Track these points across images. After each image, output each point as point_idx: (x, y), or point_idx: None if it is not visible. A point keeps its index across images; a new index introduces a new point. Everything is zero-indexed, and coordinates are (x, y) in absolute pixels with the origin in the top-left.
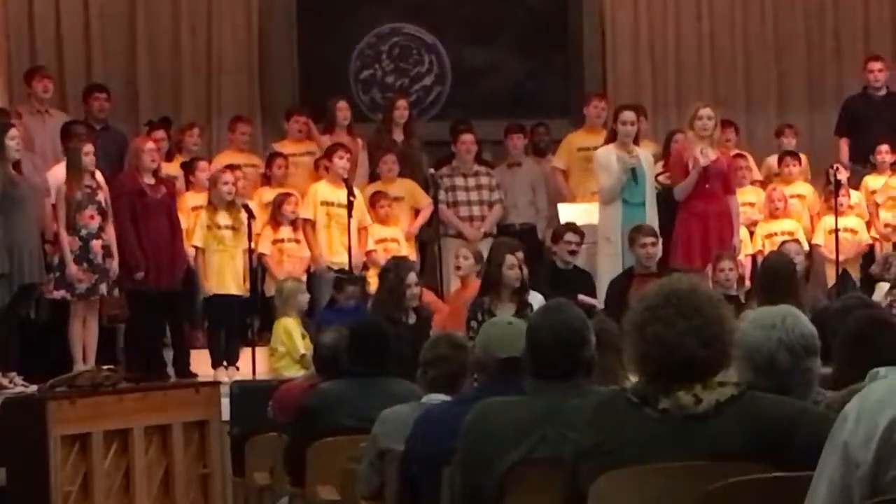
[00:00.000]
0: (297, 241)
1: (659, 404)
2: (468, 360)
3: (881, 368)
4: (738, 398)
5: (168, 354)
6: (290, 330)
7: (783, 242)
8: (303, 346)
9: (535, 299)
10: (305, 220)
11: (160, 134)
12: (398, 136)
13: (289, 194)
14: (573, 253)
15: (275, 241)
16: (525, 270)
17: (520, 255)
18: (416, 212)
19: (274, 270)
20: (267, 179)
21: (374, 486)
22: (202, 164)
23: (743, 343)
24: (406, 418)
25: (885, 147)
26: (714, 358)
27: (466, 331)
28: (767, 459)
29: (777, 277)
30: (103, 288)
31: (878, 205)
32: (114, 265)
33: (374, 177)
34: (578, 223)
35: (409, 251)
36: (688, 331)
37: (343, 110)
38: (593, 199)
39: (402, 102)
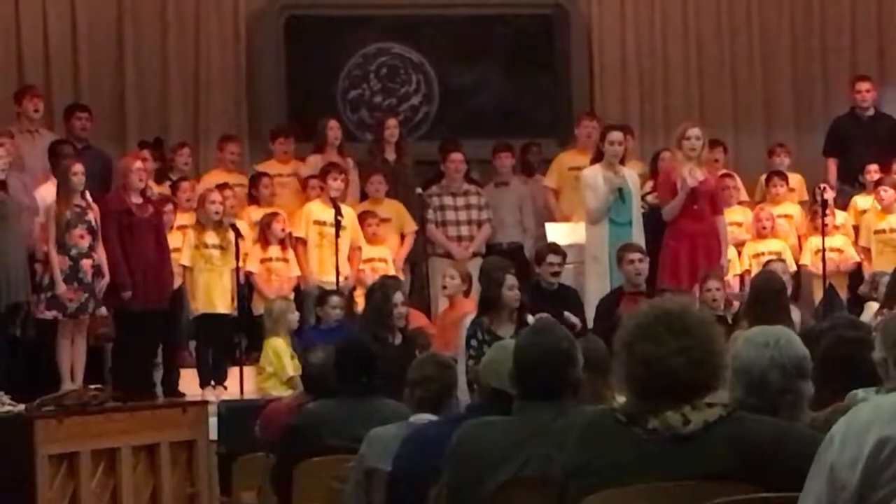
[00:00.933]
0: (286, 261)
1: (647, 424)
2: (454, 379)
3: (859, 391)
4: (727, 419)
5: (158, 374)
6: (279, 351)
7: (768, 262)
8: (291, 367)
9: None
10: (297, 239)
11: (145, 153)
12: (390, 155)
13: (276, 213)
14: (556, 274)
15: (263, 260)
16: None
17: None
18: (402, 236)
19: (262, 289)
20: (254, 199)
21: None
22: (185, 184)
23: (735, 360)
24: (393, 438)
25: (873, 167)
26: (703, 379)
27: (466, 349)
28: (755, 480)
29: (765, 296)
30: (92, 307)
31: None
32: (102, 284)
33: (364, 196)
34: (566, 242)
35: (396, 271)
36: (677, 351)
37: (334, 129)
38: (580, 219)
39: (392, 122)
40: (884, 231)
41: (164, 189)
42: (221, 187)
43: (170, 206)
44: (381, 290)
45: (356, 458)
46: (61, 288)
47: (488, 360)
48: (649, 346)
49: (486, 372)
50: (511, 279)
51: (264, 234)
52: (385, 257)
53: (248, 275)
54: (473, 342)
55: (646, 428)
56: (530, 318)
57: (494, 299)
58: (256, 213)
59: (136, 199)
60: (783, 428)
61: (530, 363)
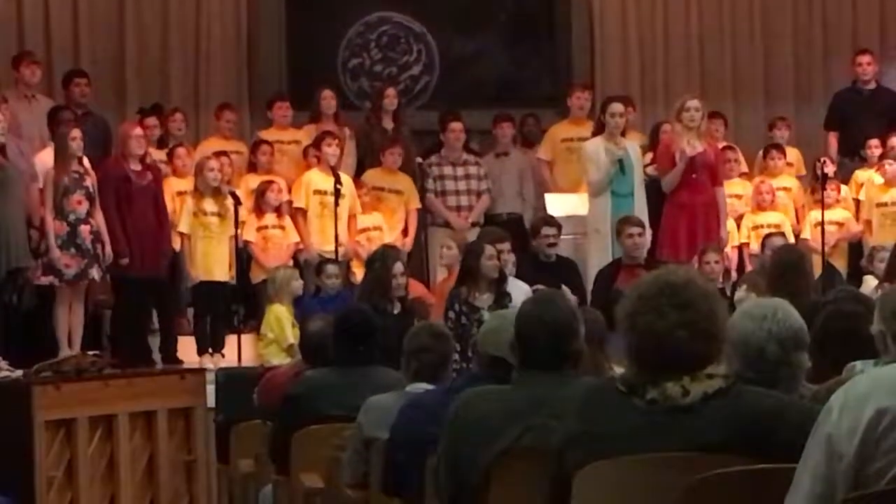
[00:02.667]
0: (282, 228)
1: (647, 394)
2: (450, 349)
3: (857, 362)
4: (726, 391)
5: (155, 341)
6: (280, 318)
7: (768, 235)
8: (292, 335)
9: (521, 289)
10: (297, 209)
11: (152, 121)
12: (388, 124)
13: (271, 181)
14: (552, 245)
15: (259, 229)
16: (510, 260)
17: (503, 245)
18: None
19: (259, 257)
20: (253, 167)
21: (359, 474)
22: (181, 150)
23: (733, 333)
24: (390, 407)
25: (875, 141)
26: (704, 351)
27: (444, 320)
28: (753, 453)
29: (787, 272)
30: (94, 273)
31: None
32: (106, 250)
33: (361, 165)
34: (565, 214)
35: (391, 238)
36: (679, 323)
37: (328, 99)
38: (578, 190)
39: (390, 91)
40: (886, 204)
41: (162, 155)
42: (218, 154)
43: (168, 172)
44: (381, 260)
45: (354, 426)
46: (55, 253)
47: (487, 329)
48: (651, 318)
49: (485, 341)
50: (490, 249)
51: (259, 202)
52: (379, 225)
53: (246, 244)
54: (451, 313)
55: (645, 398)
56: (528, 289)
57: (473, 269)
58: (255, 181)
59: (135, 166)
60: (782, 401)
61: (531, 333)
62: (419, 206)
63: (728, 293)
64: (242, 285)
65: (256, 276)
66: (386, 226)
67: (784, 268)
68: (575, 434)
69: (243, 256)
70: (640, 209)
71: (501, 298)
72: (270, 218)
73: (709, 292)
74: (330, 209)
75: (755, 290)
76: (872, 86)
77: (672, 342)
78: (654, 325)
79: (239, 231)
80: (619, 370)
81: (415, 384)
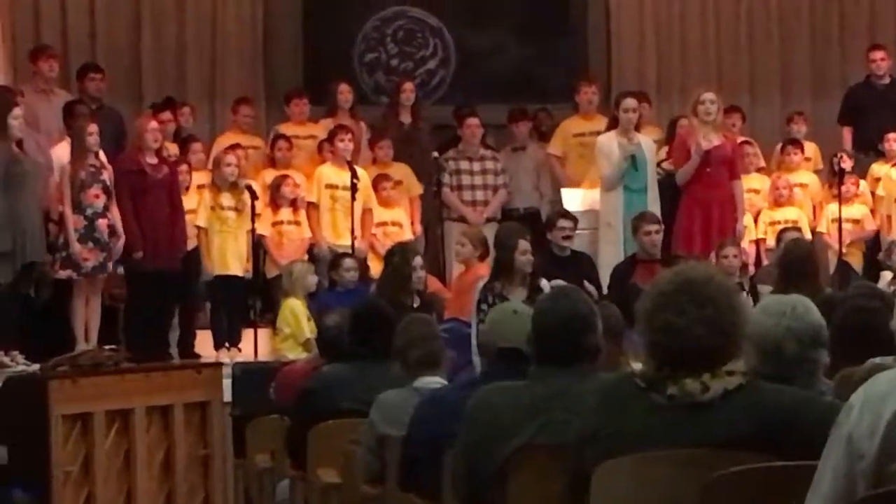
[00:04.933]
0: (297, 223)
1: (666, 390)
2: (439, 334)
3: (877, 358)
4: (745, 388)
5: (174, 335)
6: (296, 312)
7: (783, 230)
8: (308, 329)
9: (545, 286)
10: (310, 204)
11: (166, 115)
12: (405, 118)
13: (286, 176)
14: (567, 238)
15: (274, 224)
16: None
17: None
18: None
19: (273, 252)
20: (270, 161)
21: (373, 470)
22: (195, 145)
23: (751, 329)
24: (401, 403)
25: (893, 135)
26: (724, 347)
27: (476, 313)
28: (772, 449)
29: (794, 268)
30: (110, 266)
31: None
32: (118, 244)
33: (374, 160)
34: (582, 209)
35: (410, 234)
36: (699, 320)
37: (344, 93)
38: (594, 185)
39: (408, 85)
40: None
41: (176, 149)
42: (234, 148)
43: (184, 167)
44: (400, 254)
45: (367, 423)
46: (75, 247)
47: (492, 323)
48: (671, 314)
49: (492, 335)
50: (524, 244)
51: (274, 196)
52: (399, 221)
53: (261, 238)
54: (484, 306)
55: (664, 394)
56: (545, 284)
57: (507, 264)
58: (272, 176)
59: (151, 160)
60: (802, 397)
61: (548, 328)
62: (420, 191)
63: (745, 288)
64: (260, 279)
65: (271, 272)
66: (405, 220)
67: (791, 264)
68: (593, 430)
69: (259, 251)
70: (654, 205)
71: (535, 292)
72: (286, 213)
73: (729, 288)
74: (341, 203)
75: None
76: (887, 80)
77: (692, 339)
78: (674, 321)
79: (255, 225)
80: (636, 366)
81: (422, 378)
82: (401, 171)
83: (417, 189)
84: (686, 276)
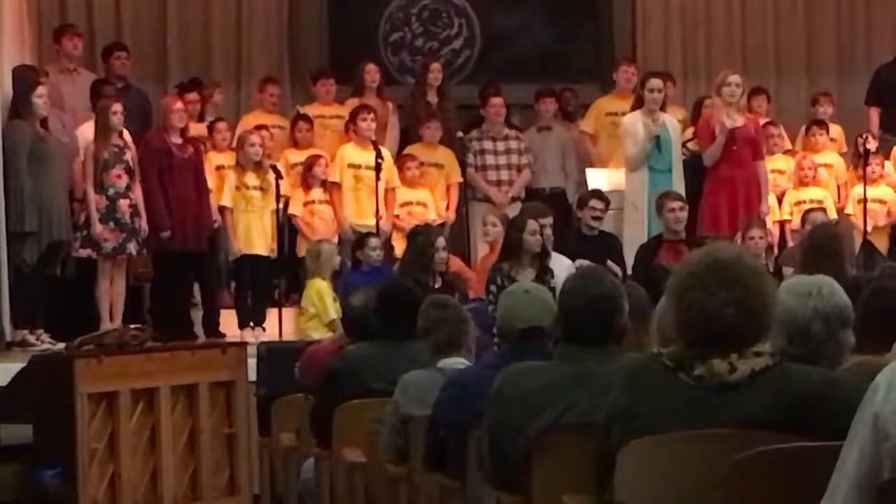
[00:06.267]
0: (329, 203)
1: (694, 370)
2: (461, 317)
3: None
4: (773, 368)
5: (198, 314)
6: (322, 292)
7: (808, 210)
8: (333, 310)
9: (562, 264)
10: (332, 183)
11: (193, 96)
12: (432, 98)
13: (319, 156)
14: (597, 219)
15: (306, 203)
16: (549, 235)
17: (546, 220)
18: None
19: (305, 232)
20: (293, 141)
21: (398, 450)
22: (221, 124)
23: (778, 309)
24: (426, 383)
25: None
26: (752, 329)
27: (486, 295)
28: (799, 429)
29: (818, 250)
30: (132, 247)
31: None
32: (143, 224)
33: (405, 139)
34: (607, 188)
35: (435, 215)
36: (728, 301)
37: (372, 73)
38: (622, 165)
39: (436, 66)
40: None
41: (203, 129)
42: (259, 128)
43: (208, 146)
44: (424, 234)
45: (391, 403)
46: (97, 228)
47: (506, 307)
48: (700, 294)
49: (509, 318)
50: (532, 224)
51: (306, 176)
52: (424, 201)
53: (292, 217)
54: (493, 287)
55: (692, 374)
56: (569, 264)
57: (515, 244)
58: (295, 156)
59: (177, 140)
60: (830, 378)
61: (575, 308)
62: (461, 179)
63: (770, 269)
64: (285, 259)
65: (303, 250)
66: (430, 201)
67: (815, 247)
68: (620, 409)
69: (286, 229)
70: (678, 185)
71: (544, 273)
72: (317, 192)
73: (758, 270)
74: (364, 183)
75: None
76: None
77: (721, 320)
78: (704, 302)
79: (280, 205)
80: (663, 349)
81: (446, 359)
82: (445, 155)
83: (457, 176)
84: (714, 256)
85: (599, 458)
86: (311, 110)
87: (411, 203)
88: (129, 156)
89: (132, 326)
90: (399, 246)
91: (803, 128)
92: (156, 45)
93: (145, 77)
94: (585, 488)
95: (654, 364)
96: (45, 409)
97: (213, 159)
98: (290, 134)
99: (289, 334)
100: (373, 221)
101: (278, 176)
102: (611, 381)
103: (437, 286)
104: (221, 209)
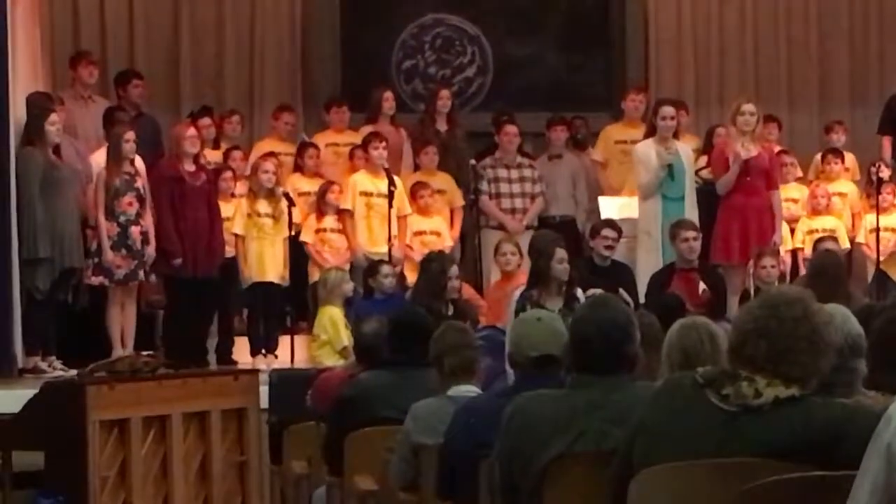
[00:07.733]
0: (340, 231)
1: (722, 389)
2: (474, 343)
3: None
4: (798, 399)
5: (211, 342)
6: (335, 319)
7: (819, 239)
8: (346, 337)
9: (581, 296)
10: (344, 211)
11: (205, 122)
12: (441, 126)
13: (332, 183)
14: (610, 248)
15: (318, 231)
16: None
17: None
18: (451, 210)
19: (317, 260)
20: (299, 168)
21: (408, 479)
22: (236, 153)
23: None
24: (436, 411)
25: None
26: (802, 363)
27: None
28: (817, 461)
29: (824, 276)
30: (142, 274)
31: None
32: (149, 250)
33: (417, 167)
34: (619, 217)
35: (450, 242)
36: (799, 335)
37: (388, 101)
38: (634, 193)
39: (445, 93)
40: None
41: (218, 156)
42: (270, 155)
43: (228, 174)
44: (437, 261)
45: (401, 431)
46: (108, 255)
47: (518, 337)
48: (773, 324)
49: (521, 346)
50: (561, 252)
51: (320, 203)
52: (438, 230)
53: (304, 245)
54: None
55: (720, 393)
56: (580, 293)
57: (544, 272)
58: (300, 182)
59: (189, 167)
60: (850, 409)
61: (586, 337)
62: (463, 202)
63: None
64: (297, 286)
65: (315, 276)
66: (444, 229)
67: (820, 274)
68: (645, 421)
69: (298, 257)
70: (692, 213)
71: (571, 301)
72: (330, 220)
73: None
74: (376, 210)
75: None
76: None
77: (782, 339)
78: (777, 329)
79: (292, 233)
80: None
81: (457, 387)
82: (444, 180)
83: (460, 200)
84: (782, 298)
85: (614, 482)
86: (324, 138)
87: (425, 232)
88: (140, 183)
89: (144, 353)
90: (411, 275)
91: (818, 156)
92: (169, 74)
93: (158, 105)
94: None
95: (686, 380)
96: (57, 435)
97: (231, 187)
98: (297, 161)
99: (301, 362)
100: (385, 249)
101: (290, 203)
102: (620, 410)
103: (449, 314)
104: (234, 237)
